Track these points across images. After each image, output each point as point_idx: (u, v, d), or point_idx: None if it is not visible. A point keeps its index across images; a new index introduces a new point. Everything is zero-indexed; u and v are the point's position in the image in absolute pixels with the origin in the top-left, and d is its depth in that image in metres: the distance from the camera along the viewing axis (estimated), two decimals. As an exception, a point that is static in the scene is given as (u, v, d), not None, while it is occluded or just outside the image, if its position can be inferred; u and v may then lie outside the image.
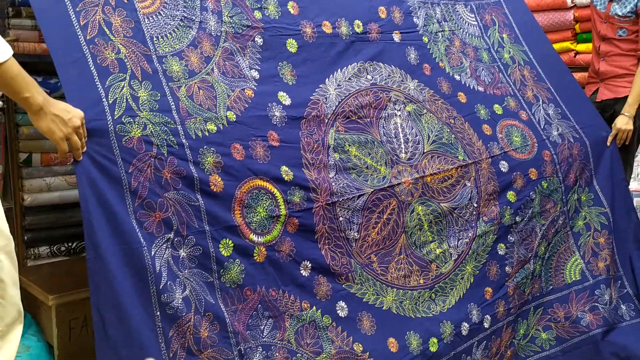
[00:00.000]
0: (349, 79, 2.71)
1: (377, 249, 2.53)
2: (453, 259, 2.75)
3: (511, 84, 3.37)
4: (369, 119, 2.68)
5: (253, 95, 2.35)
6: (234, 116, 2.25)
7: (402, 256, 2.60)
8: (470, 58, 3.29)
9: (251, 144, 2.26)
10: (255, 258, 2.17)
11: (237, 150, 2.21)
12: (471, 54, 3.31)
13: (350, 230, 2.46)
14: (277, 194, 2.26)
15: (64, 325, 2.48)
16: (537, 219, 3.07)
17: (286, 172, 2.31)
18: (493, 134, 3.08)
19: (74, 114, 1.79)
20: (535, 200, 3.06)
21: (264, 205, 2.22)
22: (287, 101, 2.45)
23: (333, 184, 2.43)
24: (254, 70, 2.42)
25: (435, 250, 2.71)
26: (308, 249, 2.33)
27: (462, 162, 2.88)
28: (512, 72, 3.42)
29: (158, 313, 1.91)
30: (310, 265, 2.31)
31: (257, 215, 2.19)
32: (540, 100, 3.40)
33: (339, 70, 2.71)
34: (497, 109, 3.19)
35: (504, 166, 3.02)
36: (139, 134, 2.00)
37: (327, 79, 2.65)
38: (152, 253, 1.93)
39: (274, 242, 2.23)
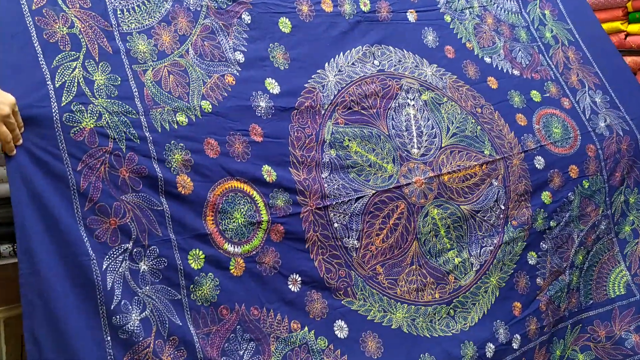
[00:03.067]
0: (353, 64, 2.36)
1: (383, 258, 2.19)
2: (475, 269, 2.37)
3: (553, 66, 2.95)
4: (374, 110, 2.32)
5: (234, 82, 2.03)
6: (210, 106, 1.94)
7: (414, 267, 2.24)
8: (505, 37, 2.88)
9: (229, 139, 1.94)
10: (232, 271, 1.86)
11: (211, 146, 1.89)
12: (506, 32, 2.90)
13: (349, 238, 2.12)
14: (257, 197, 1.94)
15: (14, 340, 2.22)
16: (576, 223, 2.66)
17: (268, 172, 1.98)
18: (528, 125, 2.68)
19: (1, 100, 1.50)
20: (574, 202, 2.65)
21: (242, 210, 1.90)
22: (275, 89, 2.12)
23: (325, 185, 2.09)
24: (238, 52, 2.10)
25: (454, 259, 2.34)
26: (297, 260, 2.01)
27: (489, 157, 2.49)
28: (555, 54, 2.99)
29: (109, 338, 1.63)
30: (300, 278, 1.99)
31: (234, 221, 1.88)
32: (587, 86, 2.96)
33: (341, 54, 2.36)
34: (535, 95, 2.78)
35: (539, 162, 2.61)
36: (92, 125, 1.70)
37: (326, 64, 2.30)
38: (103, 267, 1.64)
39: (254, 252, 1.91)
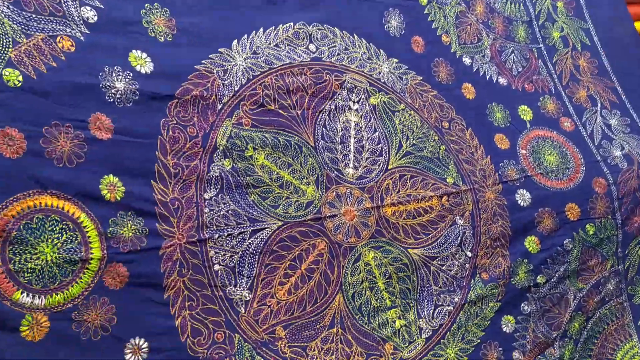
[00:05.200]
0: (277, 45, 1.73)
1: (288, 317, 1.55)
2: (424, 336, 1.72)
3: (555, 76, 2.30)
4: (299, 111, 1.70)
5: (74, 47, 1.41)
6: (20, 78, 1.31)
7: (334, 330, 1.60)
8: (496, 33, 2.23)
9: (47, 131, 1.31)
10: (23, 334, 1.22)
11: (12, 140, 1.26)
12: (499, 27, 2.26)
13: (236, 286, 1.49)
14: (86, 222, 1.31)
15: None
16: (572, 280, 2.00)
17: (111, 187, 1.36)
18: (511, 149, 2.03)
19: None
20: (572, 253, 1.99)
21: (55, 241, 1.27)
22: (146, 67, 1.50)
23: (206, 209, 1.46)
24: (88, 7, 1.47)
25: (395, 322, 1.69)
26: (147, 316, 1.37)
27: (452, 187, 1.85)
28: (560, 60, 2.34)
29: None
30: (147, 345, 1.35)
31: (37, 258, 1.25)
32: (599, 105, 2.31)
33: (260, 30, 1.74)
34: (524, 112, 2.13)
35: (522, 198, 1.96)
36: None
37: (234, 42, 1.68)
38: None
39: (70, 305, 1.28)
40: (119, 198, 1.38)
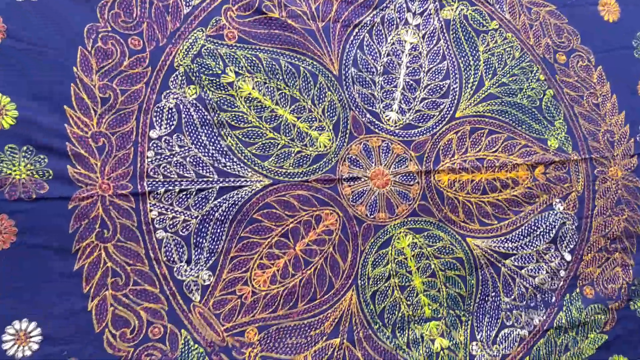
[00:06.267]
0: None
1: (267, 315, 1.09)
2: (481, 366, 1.17)
3: None
4: (321, 23, 1.19)
5: None
6: None
7: (336, 341, 1.12)
8: None
9: None
10: None
11: None
12: None
13: (189, 263, 1.04)
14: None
15: None
16: None
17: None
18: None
19: None
20: None
21: None
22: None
23: (151, 153, 1.02)
24: None
25: (434, 341, 1.16)
26: (42, 291, 0.99)
27: (556, 154, 1.22)
28: None
29: None
30: (39, 332, 0.98)
31: None
32: None
33: None
34: None
35: (672, 180, 1.27)
36: None
37: None
38: None
39: None
40: (6, 126, 0.97)
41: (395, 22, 1.24)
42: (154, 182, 1.05)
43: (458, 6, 1.27)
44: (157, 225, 1.05)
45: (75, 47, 1.03)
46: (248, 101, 1.12)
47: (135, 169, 1.04)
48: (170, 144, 1.07)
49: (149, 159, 1.05)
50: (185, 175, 1.07)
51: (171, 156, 1.07)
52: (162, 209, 1.05)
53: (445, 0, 1.27)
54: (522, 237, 1.22)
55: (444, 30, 1.26)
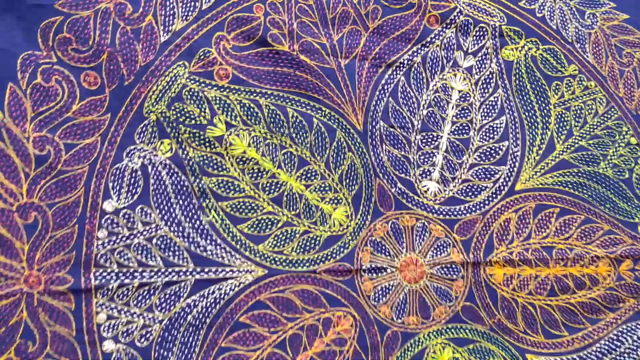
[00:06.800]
0: None
1: None
2: None
3: None
4: (345, 61, 0.90)
5: None
6: None
7: None
8: None
9: None
10: None
11: None
12: None
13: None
14: None
15: None
16: None
17: None
18: None
19: None
20: None
21: None
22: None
23: (102, 233, 0.78)
24: None
25: None
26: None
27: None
28: None
29: None
30: None
31: None
32: None
33: None
34: None
35: None
36: None
37: None
38: None
39: None
40: None
41: (440, 63, 0.95)
42: (104, 274, 0.77)
43: (525, 44, 0.98)
44: (104, 334, 0.76)
45: (3, 84, 0.76)
46: (241, 162, 0.84)
47: (78, 256, 0.76)
48: (131, 219, 0.79)
49: (100, 242, 0.77)
50: (150, 263, 0.79)
51: (131, 237, 0.79)
52: (114, 310, 0.77)
53: (509, 36, 0.98)
54: (600, 356, 0.91)
55: (505, 76, 0.97)
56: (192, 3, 0.86)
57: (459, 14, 0.97)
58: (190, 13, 0.85)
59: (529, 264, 0.92)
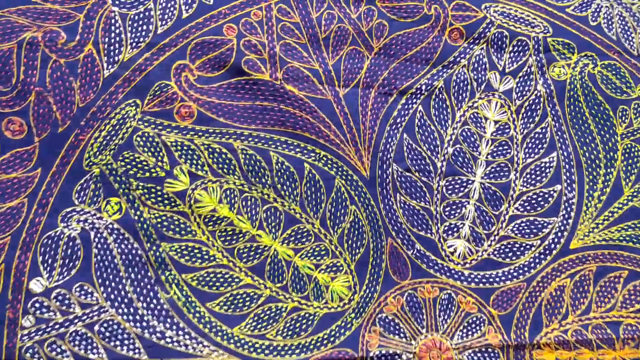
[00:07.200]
0: None
1: None
2: None
3: None
4: (344, 90, 0.72)
5: None
6: None
7: None
8: None
9: None
10: None
11: None
12: None
13: None
14: None
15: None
16: None
17: None
18: None
19: None
20: None
21: None
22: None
23: (29, 321, 0.63)
24: None
25: None
26: None
27: None
28: None
29: None
30: None
31: None
32: None
33: None
34: None
35: None
36: None
37: None
38: None
39: None
40: None
41: (469, 87, 0.75)
42: (31, 371, 0.61)
43: (579, 59, 0.77)
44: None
45: None
46: (211, 223, 0.67)
47: (-2, 351, 0.60)
48: (67, 301, 0.62)
49: (26, 332, 0.61)
50: (90, 357, 0.62)
51: (66, 324, 0.62)
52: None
53: (557, 50, 0.77)
54: None
55: (555, 100, 0.76)
56: (145, 26, 0.69)
57: (490, 26, 0.77)
58: (142, 39, 0.68)
59: (588, 346, 0.71)
